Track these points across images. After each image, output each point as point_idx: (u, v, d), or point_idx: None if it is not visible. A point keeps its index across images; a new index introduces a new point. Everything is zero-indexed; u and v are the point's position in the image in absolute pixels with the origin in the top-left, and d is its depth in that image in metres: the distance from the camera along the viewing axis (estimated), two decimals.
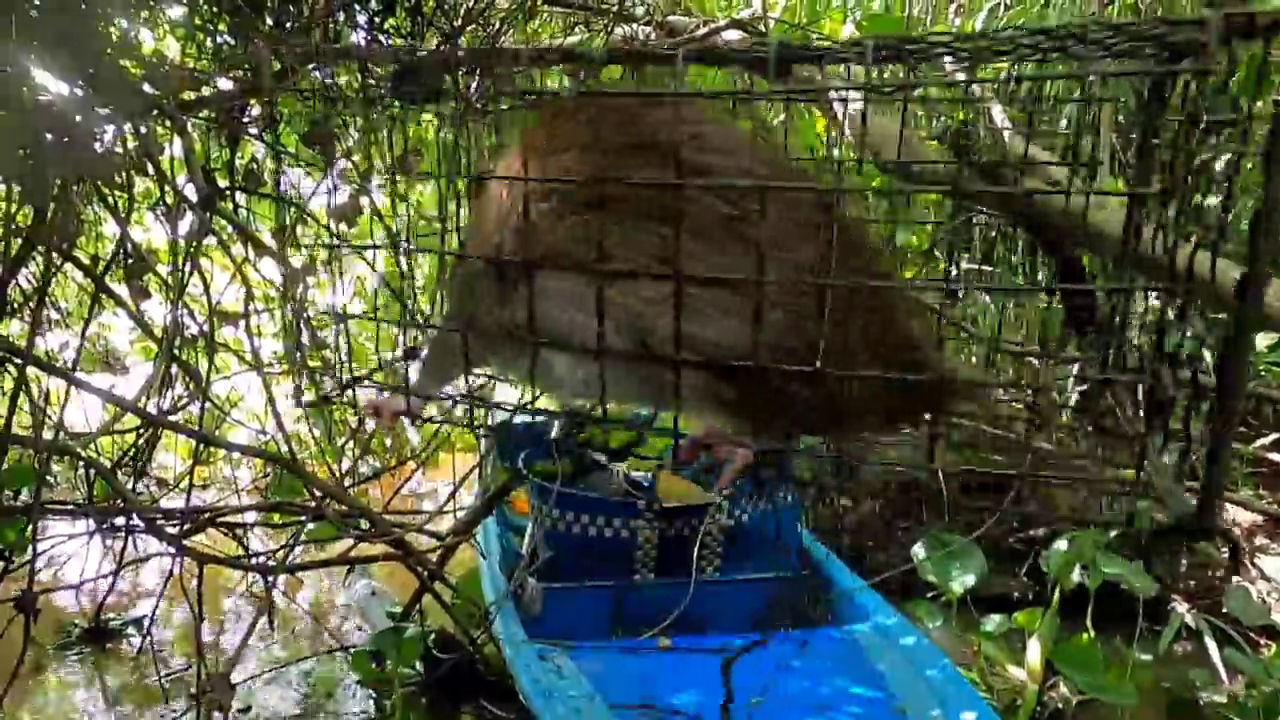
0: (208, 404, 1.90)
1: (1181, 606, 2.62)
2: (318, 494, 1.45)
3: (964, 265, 3.59)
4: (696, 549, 2.05)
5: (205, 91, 1.96)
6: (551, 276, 0.83)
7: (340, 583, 3.24)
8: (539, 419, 2.31)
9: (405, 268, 1.42)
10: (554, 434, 2.34)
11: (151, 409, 1.60)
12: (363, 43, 1.96)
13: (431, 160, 3.24)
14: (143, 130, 1.68)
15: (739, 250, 0.77)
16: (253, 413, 3.19)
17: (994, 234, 3.59)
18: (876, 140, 1.62)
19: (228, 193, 1.89)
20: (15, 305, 1.59)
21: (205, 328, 1.89)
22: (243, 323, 2.47)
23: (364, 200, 2.30)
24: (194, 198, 1.75)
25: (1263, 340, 3.52)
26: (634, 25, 2.15)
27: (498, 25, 1.88)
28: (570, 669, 1.85)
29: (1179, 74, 0.62)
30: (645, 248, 0.79)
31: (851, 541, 2.99)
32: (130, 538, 1.35)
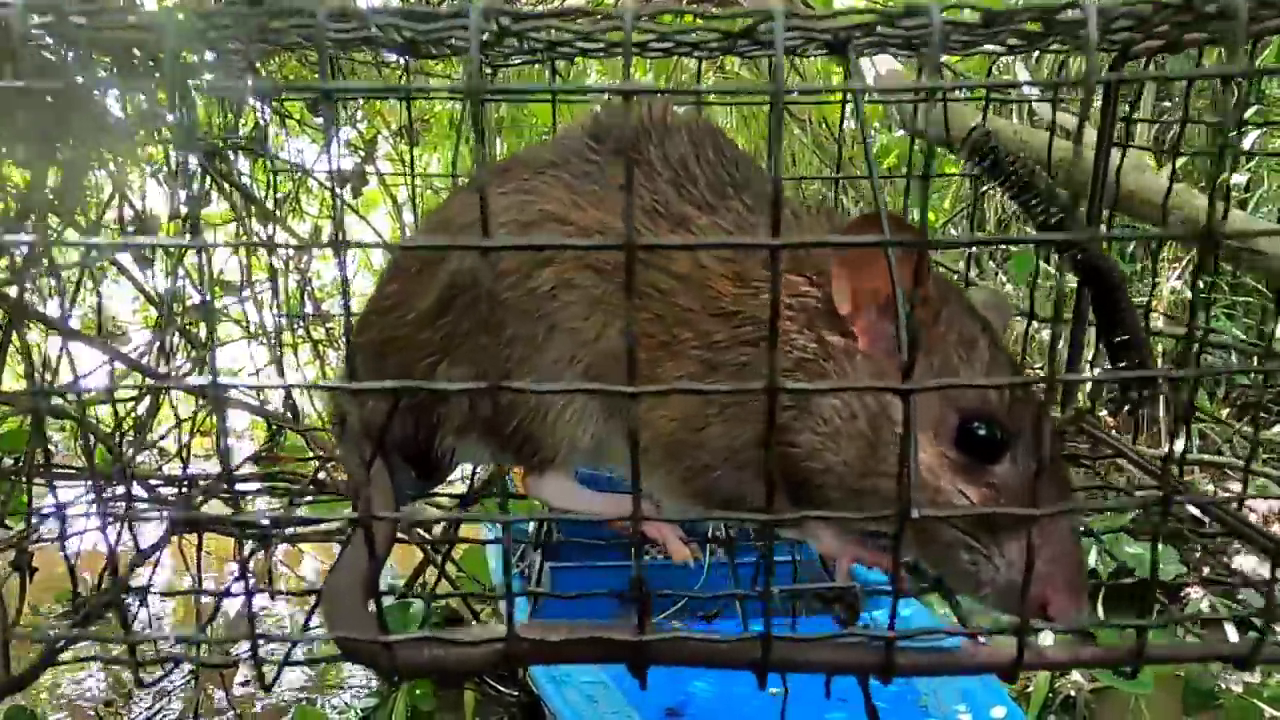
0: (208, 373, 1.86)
1: (1198, 593, 2.58)
2: (320, 456, 1.41)
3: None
4: (710, 529, 2.01)
5: (209, 54, 1.91)
6: None
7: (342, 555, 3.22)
8: None
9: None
10: None
11: (150, 379, 1.56)
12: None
13: (440, 128, 3.19)
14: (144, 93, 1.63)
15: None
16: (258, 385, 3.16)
17: (1011, 211, 3.52)
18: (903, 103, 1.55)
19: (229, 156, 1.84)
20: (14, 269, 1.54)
21: (206, 295, 1.85)
22: (245, 291, 2.43)
23: (369, 168, 2.25)
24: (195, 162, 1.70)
25: None
26: None
27: None
28: None
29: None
30: None
31: None
32: (129, 506, 1.31)
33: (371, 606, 0.43)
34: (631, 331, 0.34)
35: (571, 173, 0.70)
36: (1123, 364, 0.67)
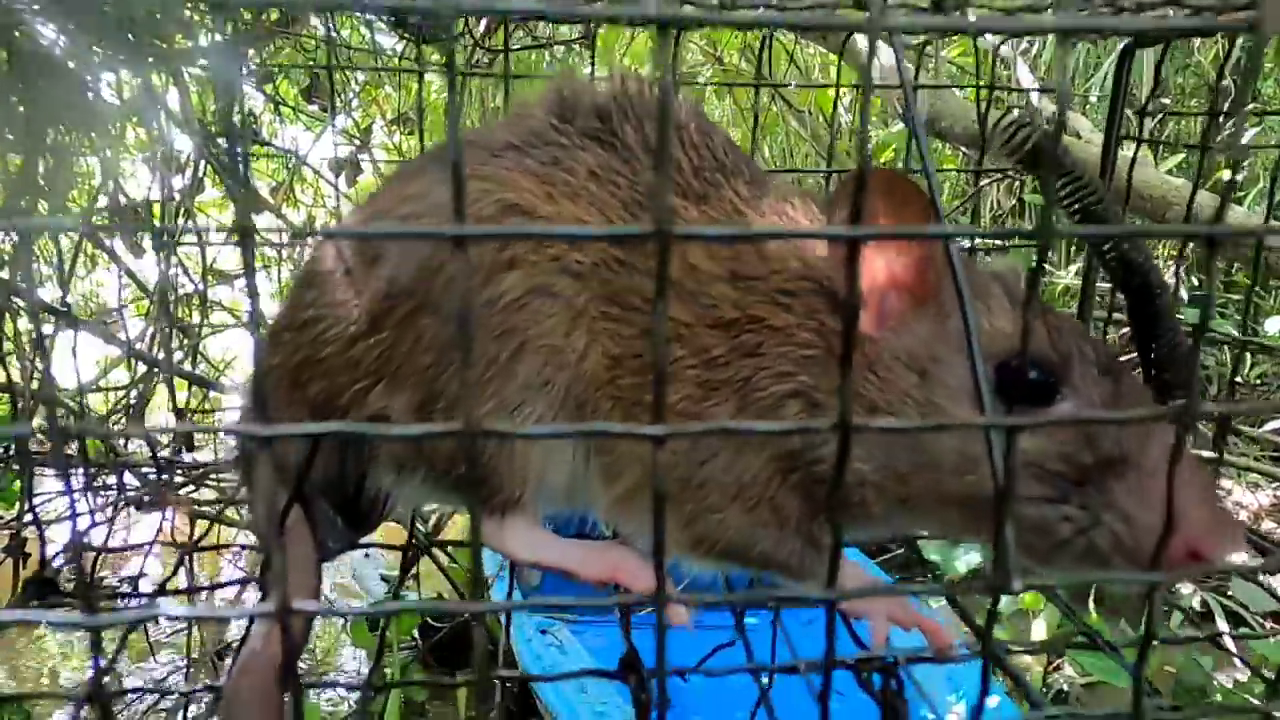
0: (201, 363, 1.85)
1: (1188, 589, 2.59)
2: None
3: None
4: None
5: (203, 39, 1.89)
6: None
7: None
8: None
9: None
10: None
11: (142, 367, 1.55)
12: None
13: (436, 117, 3.18)
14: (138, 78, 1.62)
15: None
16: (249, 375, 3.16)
17: (1011, 204, 3.52)
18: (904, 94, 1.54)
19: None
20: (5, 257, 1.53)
21: (200, 285, 1.84)
22: (238, 281, 2.42)
23: (364, 157, 2.23)
24: (189, 150, 1.68)
25: (1274, 325, 3.50)
26: None
27: None
28: (572, 643, 1.82)
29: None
30: None
31: None
32: (120, 493, 1.32)
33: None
34: (662, 346, 0.26)
35: (537, 158, 0.59)
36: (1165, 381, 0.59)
